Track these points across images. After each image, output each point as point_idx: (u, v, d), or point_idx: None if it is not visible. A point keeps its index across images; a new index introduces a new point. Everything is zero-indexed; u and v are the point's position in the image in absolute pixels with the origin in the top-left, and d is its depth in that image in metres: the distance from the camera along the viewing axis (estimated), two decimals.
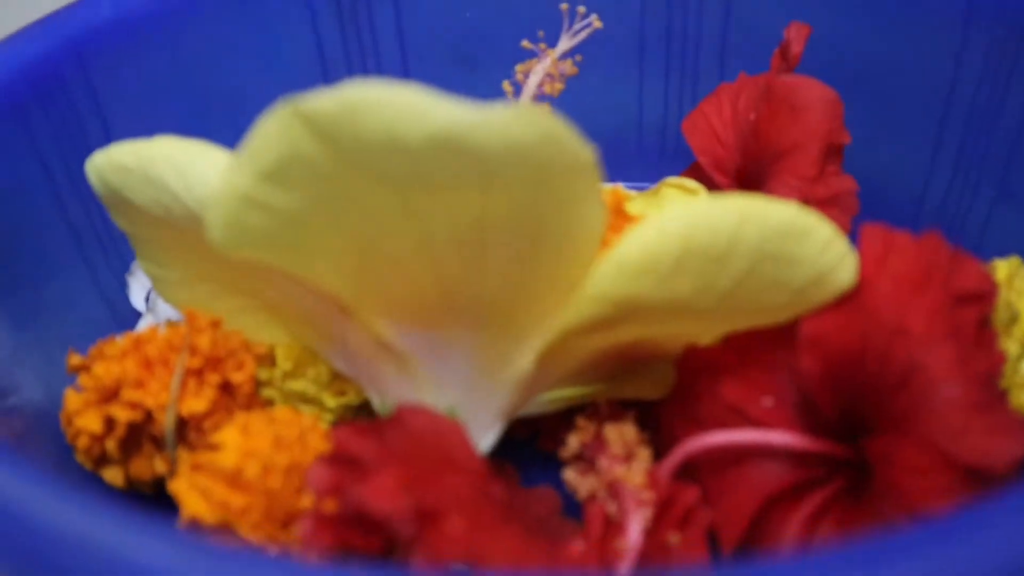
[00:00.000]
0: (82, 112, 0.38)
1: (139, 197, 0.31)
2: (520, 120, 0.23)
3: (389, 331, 0.29)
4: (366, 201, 0.25)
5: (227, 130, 0.42)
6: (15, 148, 0.36)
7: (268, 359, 0.34)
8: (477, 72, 0.45)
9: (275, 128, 0.24)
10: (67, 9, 0.39)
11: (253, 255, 0.27)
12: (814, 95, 0.37)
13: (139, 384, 0.31)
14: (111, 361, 0.31)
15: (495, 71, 0.45)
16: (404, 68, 0.45)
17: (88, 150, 0.38)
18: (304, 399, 0.35)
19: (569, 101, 0.39)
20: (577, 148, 0.25)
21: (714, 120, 0.40)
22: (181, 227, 0.31)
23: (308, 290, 0.30)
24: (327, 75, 0.44)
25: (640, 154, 0.47)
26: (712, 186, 0.41)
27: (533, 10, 0.44)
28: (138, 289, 0.40)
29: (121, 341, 0.32)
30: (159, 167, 0.29)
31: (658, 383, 0.32)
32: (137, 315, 0.40)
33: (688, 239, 0.26)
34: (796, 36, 0.38)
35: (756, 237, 0.27)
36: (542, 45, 0.39)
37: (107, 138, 0.39)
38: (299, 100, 0.24)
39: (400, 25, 0.44)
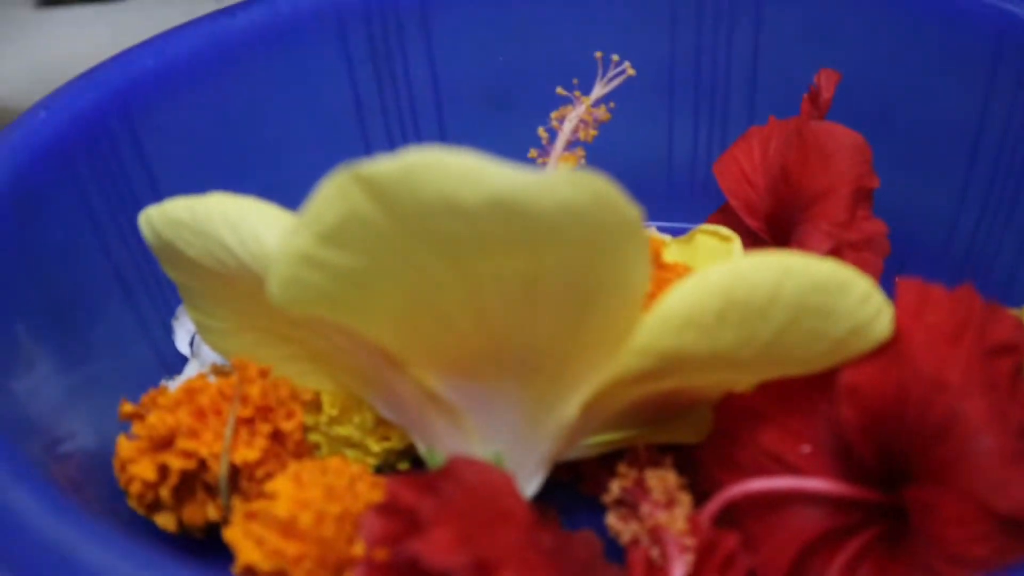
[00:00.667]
0: (127, 163, 0.39)
1: (192, 250, 0.32)
2: (573, 183, 0.24)
3: (437, 382, 0.30)
4: (420, 261, 0.26)
5: (267, 178, 0.43)
6: (65, 199, 0.37)
7: (314, 404, 0.35)
8: (510, 115, 0.46)
9: (335, 191, 0.25)
10: (111, 61, 0.40)
11: (309, 310, 0.28)
12: (843, 141, 0.37)
13: (193, 434, 0.32)
14: (165, 411, 0.32)
15: (528, 114, 0.46)
16: (438, 113, 0.46)
17: (134, 200, 0.39)
18: (349, 444, 0.36)
19: (599, 141, 0.40)
20: (626, 209, 0.25)
21: (745, 164, 0.41)
22: (232, 278, 0.32)
23: (357, 342, 0.31)
24: (363, 122, 0.45)
25: (669, 193, 0.48)
26: (743, 228, 0.41)
27: (564, 54, 0.45)
28: (183, 334, 0.41)
29: (174, 392, 0.32)
30: (213, 222, 0.30)
31: (696, 428, 0.33)
32: (182, 359, 0.41)
33: (730, 293, 0.27)
34: (826, 83, 0.39)
35: (796, 291, 0.28)
36: (577, 92, 0.40)
37: (152, 187, 0.40)
38: (359, 165, 0.24)
39: (434, 71, 0.45)
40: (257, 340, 0.35)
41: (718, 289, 0.27)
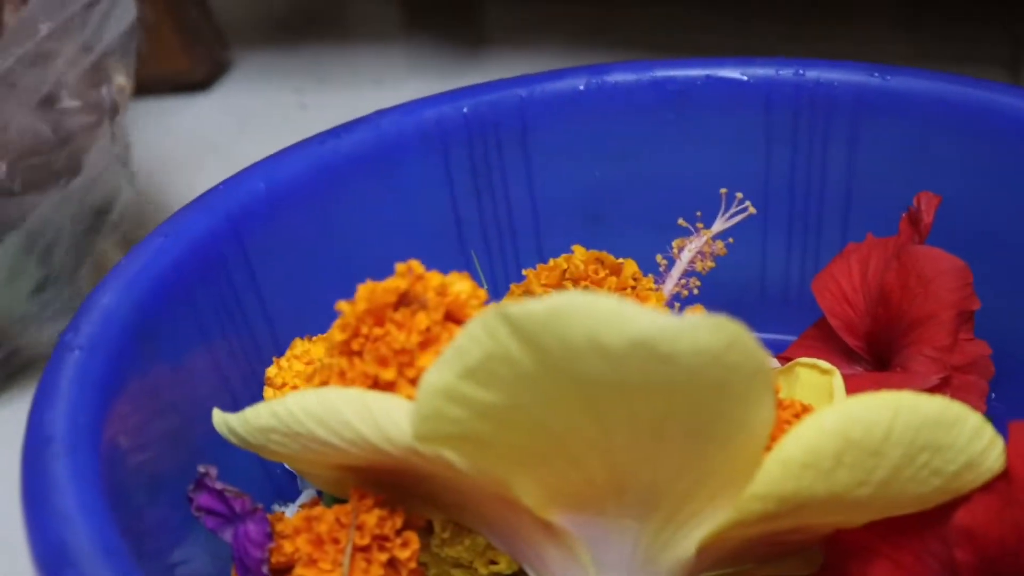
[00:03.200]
0: (238, 284, 0.40)
1: (285, 449, 0.32)
2: (712, 327, 0.25)
3: (557, 516, 0.31)
4: (558, 401, 0.27)
5: None
6: (181, 323, 0.37)
7: (425, 527, 0.36)
8: (606, 230, 0.47)
9: (482, 330, 0.26)
10: (224, 185, 0.41)
11: (441, 446, 0.28)
12: (943, 266, 0.38)
13: (311, 561, 0.32)
14: (284, 539, 0.33)
15: (623, 229, 0.47)
16: (535, 229, 0.47)
17: (244, 319, 0.40)
18: (457, 565, 0.36)
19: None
20: (758, 354, 0.26)
21: (843, 283, 0.41)
22: (331, 457, 0.32)
23: (470, 478, 0.31)
24: (462, 237, 0.46)
25: (762, 305, 0.48)
26: (840, 345, 0.42)
27: (660, 171, 0.46)
28: None
29: (292, 519, 0.33)
30: (300, 421, 0.31)
31: (806, 562, 0.33)
32: (289, 475, 0.42)
33: (846, 434, 0.28)
34: (927, 207, 0.39)
35: (909, 428, 0.28)
36: (699, 224, 0.41)
37: (260, 305, 0.41)
38: (506, 306, 0.25)
39: (531, 187, 0.46)
40: (363, 484, 0.35)
41: (835, 431, 0.28)
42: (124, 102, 0.55)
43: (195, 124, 0.83)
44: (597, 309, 0.25)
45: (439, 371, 0.27)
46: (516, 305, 0.26)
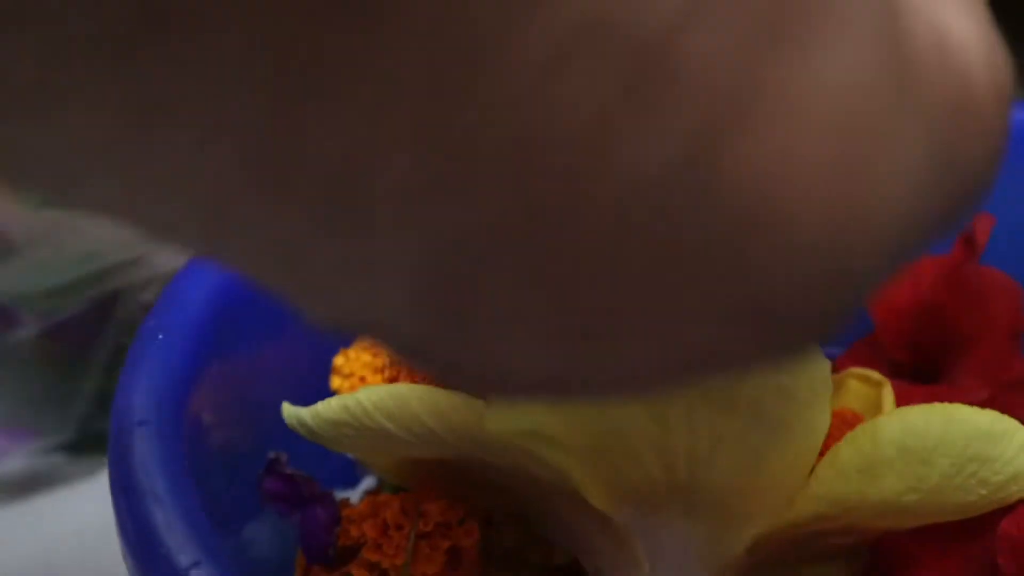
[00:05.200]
0: None
1: (355, 443, 0.33)
2: None
3: (615, 511, 0.32)
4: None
5: None
6: (255, 310, 0.38)
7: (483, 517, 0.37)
8: None
9: None
10: None
11: (511, 440, 0.30)
12: (999, 285, 0.39)
13: (376, 546, 0.34)
14: (351, 524, 0.34)
15: None
16: None
17: None
18: (512, 554, 0.38)
19: None
20: (820, 360, 0.27)
21: (896, 299, 0.42)
22: (401, 451, 0.34)
23: (533, 472, 0.32)
24: None
25: None
26: (887, 359, 0.43)
27: None
28: None
29: (359, 505, 0.34)
30: (372, 416, 0.32)
31: (851, 567, 0.35)
32: (349, 461, 0.43)
33: (900, 442, 0.29)
34: (982, 228, 0.40)
35: (960, 439, 0.29)
36: None
37: None
38: None
39: None
40: (427, 474, 0.36)
41: (888, 439, 0.29)
42: None
43: None
44: None
45: None
46: None
